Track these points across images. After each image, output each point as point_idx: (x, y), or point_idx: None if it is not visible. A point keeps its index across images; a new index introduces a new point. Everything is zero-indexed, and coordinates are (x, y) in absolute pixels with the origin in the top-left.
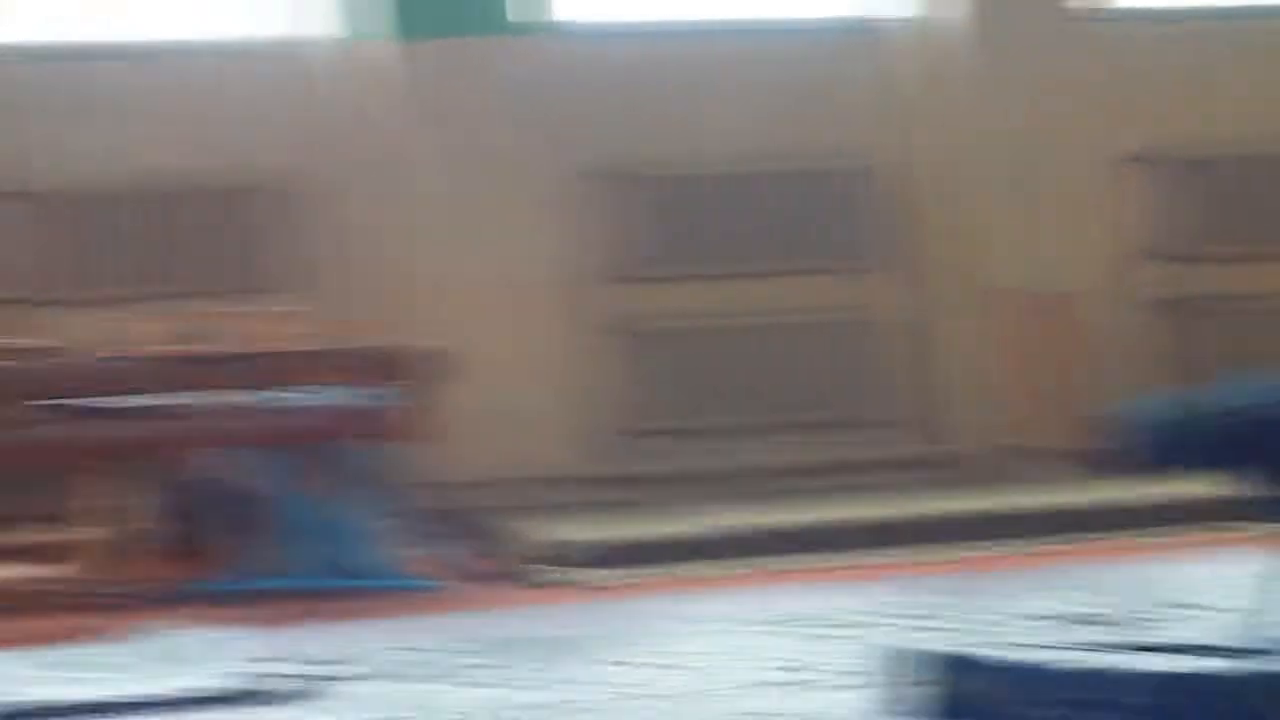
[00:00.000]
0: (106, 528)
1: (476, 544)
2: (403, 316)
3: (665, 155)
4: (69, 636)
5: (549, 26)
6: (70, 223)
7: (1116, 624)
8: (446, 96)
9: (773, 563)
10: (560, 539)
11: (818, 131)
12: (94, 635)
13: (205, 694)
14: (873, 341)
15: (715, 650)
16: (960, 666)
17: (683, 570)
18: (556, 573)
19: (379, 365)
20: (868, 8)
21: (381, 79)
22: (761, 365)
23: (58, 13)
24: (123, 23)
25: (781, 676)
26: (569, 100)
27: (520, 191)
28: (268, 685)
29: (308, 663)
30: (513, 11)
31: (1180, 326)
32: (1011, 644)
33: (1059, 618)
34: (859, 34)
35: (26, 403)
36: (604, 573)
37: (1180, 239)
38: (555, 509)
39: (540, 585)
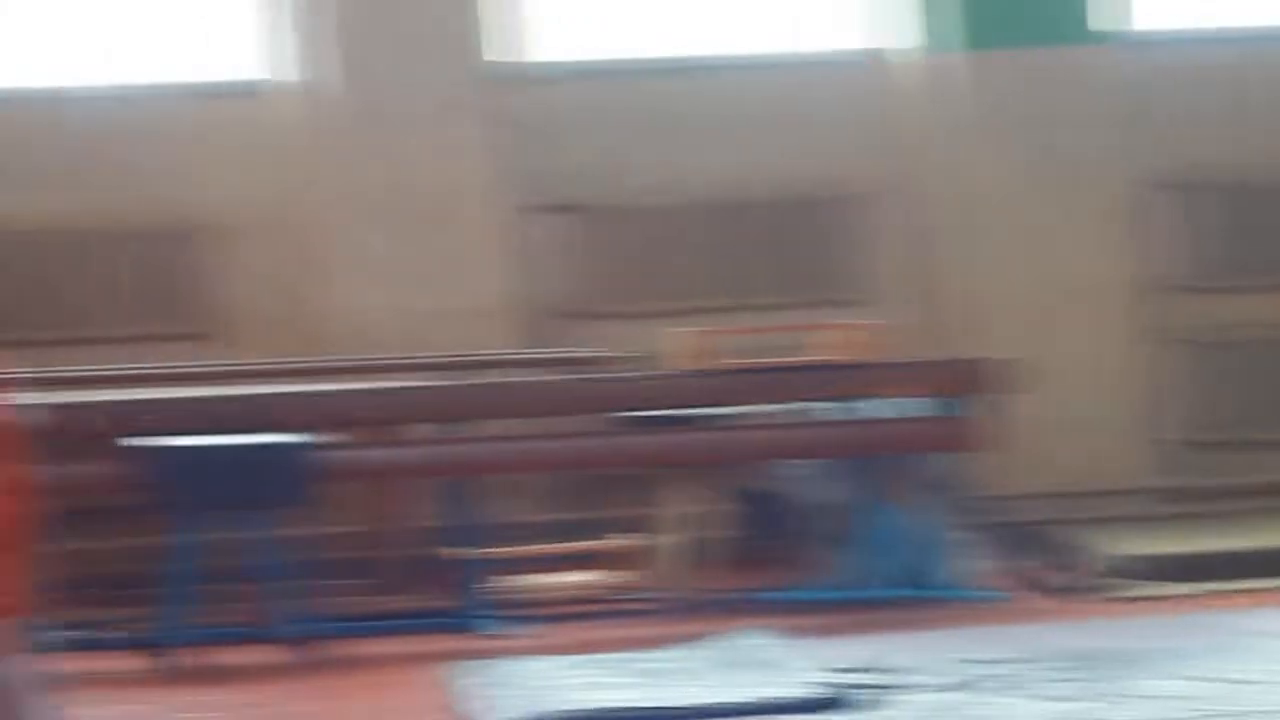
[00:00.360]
0: (681, 535)
1: (1044, 556)
2: (971, 326)
3: (1237, 164)
4: (645, 642)
5: (1126, 35)
6: (638, 236)
7: None
8: (1019, 105)
9: None
10: (1127, 552)
11: None
12: (669, 642)
13: (778, 702)
14: None
15: None
16: None
17: (1252, 585)
18: (1124, 586)
19: (950, 376)
20: None
21: (955, 88)
22: None
23: (610, 30)
24: (684, 38)
25: None
26: (1141, 108)
27: (1089, 200)
28: (839, 694)
29: (878, 672)
30: (1092, 20)
31: None
32: None
33: None
34: None
35: (605, 413)
36: (1172, 586)
37: None
38: (1122, 521)
39: (1108, 598)
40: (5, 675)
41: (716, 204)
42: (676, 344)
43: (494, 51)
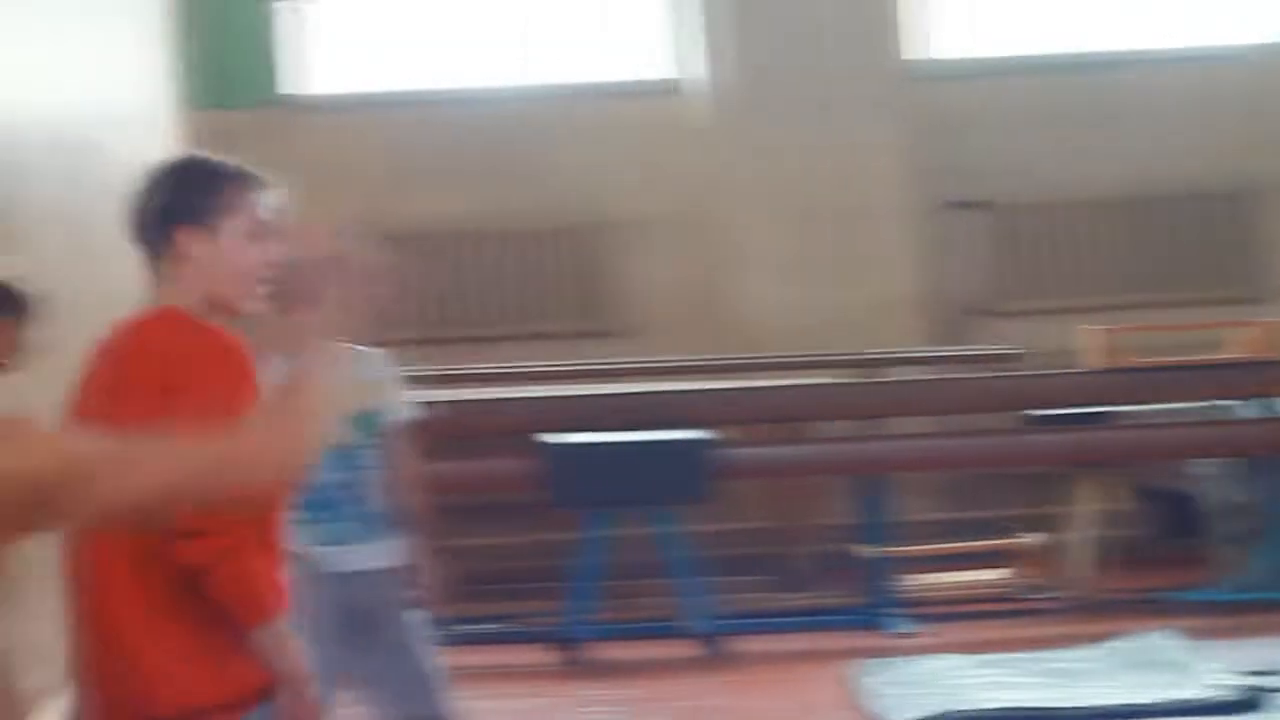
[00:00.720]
0: (1088, 534)
1: None
2: None
3: None
4: (1050, 642)
5: None
6: (1049, 232)
7: None
8: None
9: None
10: None
11: None
12: (1074, 641)
13: (1186, 704)
14: None
15: None
16: None
17: None
18: None
19: None
20: None
21: None
22: None
23: (1020, 25)
24: (1093, 33)
25: None
26: None
27: None
28: (1247, 696)
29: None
30: None
31: None
32: None
33: None
34: None
35: (1013, 411)
36: None
37: None
38: None
39: None
40: None
41: (1126, 199)
42: (1087, 341)
43: (905, 49)
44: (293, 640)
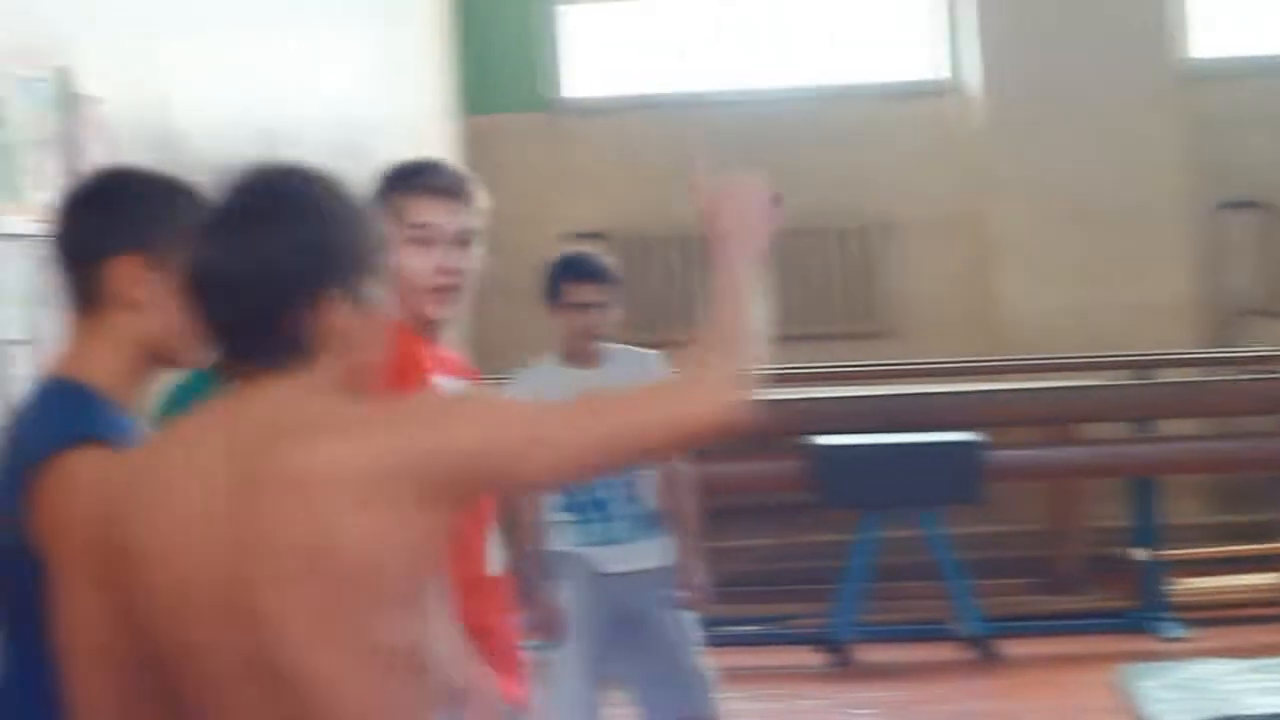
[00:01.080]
0: None
1: None
2: None
3: None
4: None
5: None
6: None
7: None
8: None
9: None
10: None
11: None
12: None
13: None
14: None
15: None
16: None
17: None
18: None
19: None
20: None
21: None
22: None
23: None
24: None
25: None
26: None
27: None
28: None
29: None
30: None
31: None
32: None
33: None
34: None
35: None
36: None
37: None
38: None
39: None
40: None
41: None
42: None
43: (1179, 47)
44: (464, 647)
